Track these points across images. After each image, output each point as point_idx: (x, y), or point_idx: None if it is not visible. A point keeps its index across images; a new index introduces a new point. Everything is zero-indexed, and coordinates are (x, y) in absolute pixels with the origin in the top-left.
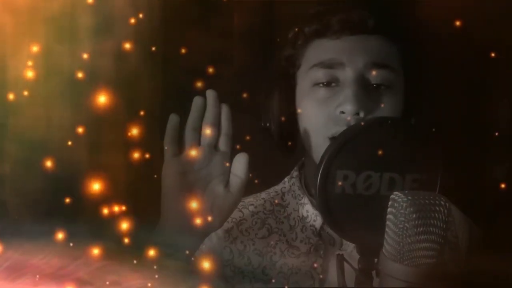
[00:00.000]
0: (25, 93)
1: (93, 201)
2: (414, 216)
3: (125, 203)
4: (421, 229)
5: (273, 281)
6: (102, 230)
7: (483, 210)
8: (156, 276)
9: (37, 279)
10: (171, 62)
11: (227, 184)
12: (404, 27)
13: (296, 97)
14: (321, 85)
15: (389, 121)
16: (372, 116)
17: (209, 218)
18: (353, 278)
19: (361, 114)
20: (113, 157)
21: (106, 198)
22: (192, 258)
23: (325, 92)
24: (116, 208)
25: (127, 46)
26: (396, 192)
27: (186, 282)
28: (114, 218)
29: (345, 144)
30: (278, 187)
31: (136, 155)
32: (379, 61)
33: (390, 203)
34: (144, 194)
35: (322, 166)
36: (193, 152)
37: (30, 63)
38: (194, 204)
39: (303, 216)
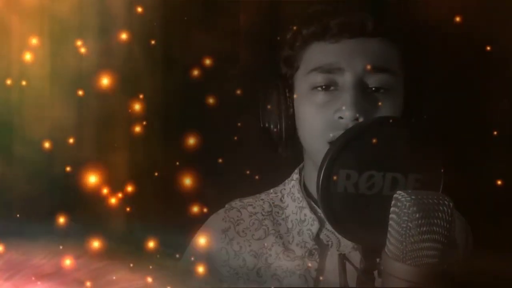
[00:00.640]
0: (28, 92)
1: (93, 202)
2: (417, 215)
3: (126, 204)
4: (425, 228)
5: (267, 283)
6: (102, 230)
7: (483, 210)
8: (156, 276)
9: (33, 279)
10: (173, 61)
11: None
12: (404, 29)
13: (294, 100)
14: (319, 88)
15: (391, 121)
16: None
17: None
18: (355, 278)
19: (360, 120)
20: (115, 155)
21: (106, 198)
22: (192, 259)
23: (324, 96)
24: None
25: (123, 36)
26: (399, 192)
27: (185, 282)
28: (113, 219)
29: (347, 144)
30: (278, 188)
31: (137, 155)
32: (378, 65)
33: (393, 202)
34: (144, 193)
35: (325, 165)
36: None
37: (28, 55)
38: None
39: (300, 219)
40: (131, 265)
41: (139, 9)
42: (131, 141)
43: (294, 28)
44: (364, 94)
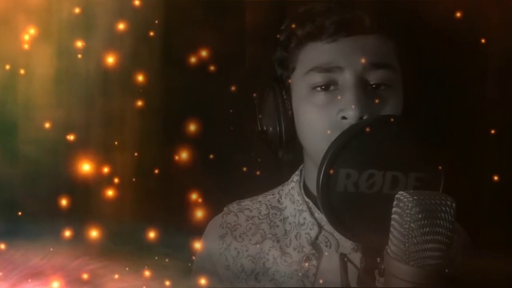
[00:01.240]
0: (32, 92)
1: (93, 201)
2: (420, 216)
3: (126, 204)
4: (427, 229)
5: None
6: (102, 229)
7: (483, 209)
8: (155, 276)
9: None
10: (177, 61)
11: None
12: (401, 24)
13: (293, 102)
14: (319, 89)
15: (392, 119)
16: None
17: None
18: (355, 278)
19: (365, 118)
20: (116, 154)
21: (106, 197)
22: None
23: (324, 96)
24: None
25: (124, 30)
26: (401, 192)
27: (185, 282)
28: (114, 218)
29: (347, 143)
30: (276, 190)
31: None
32: (378, 61)
33: (395, 202)
34: (144, 192)
35: (325, 164)
36: None
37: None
38: None
39: (299, 222)
40: (129, 267)
41: (137, 2)
42: (132, 141)
43: (287, 29)
44: (366, 91)
